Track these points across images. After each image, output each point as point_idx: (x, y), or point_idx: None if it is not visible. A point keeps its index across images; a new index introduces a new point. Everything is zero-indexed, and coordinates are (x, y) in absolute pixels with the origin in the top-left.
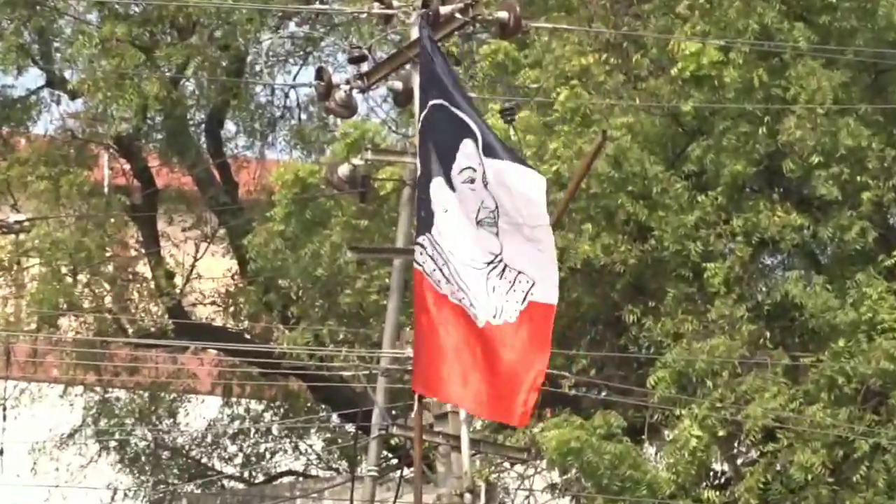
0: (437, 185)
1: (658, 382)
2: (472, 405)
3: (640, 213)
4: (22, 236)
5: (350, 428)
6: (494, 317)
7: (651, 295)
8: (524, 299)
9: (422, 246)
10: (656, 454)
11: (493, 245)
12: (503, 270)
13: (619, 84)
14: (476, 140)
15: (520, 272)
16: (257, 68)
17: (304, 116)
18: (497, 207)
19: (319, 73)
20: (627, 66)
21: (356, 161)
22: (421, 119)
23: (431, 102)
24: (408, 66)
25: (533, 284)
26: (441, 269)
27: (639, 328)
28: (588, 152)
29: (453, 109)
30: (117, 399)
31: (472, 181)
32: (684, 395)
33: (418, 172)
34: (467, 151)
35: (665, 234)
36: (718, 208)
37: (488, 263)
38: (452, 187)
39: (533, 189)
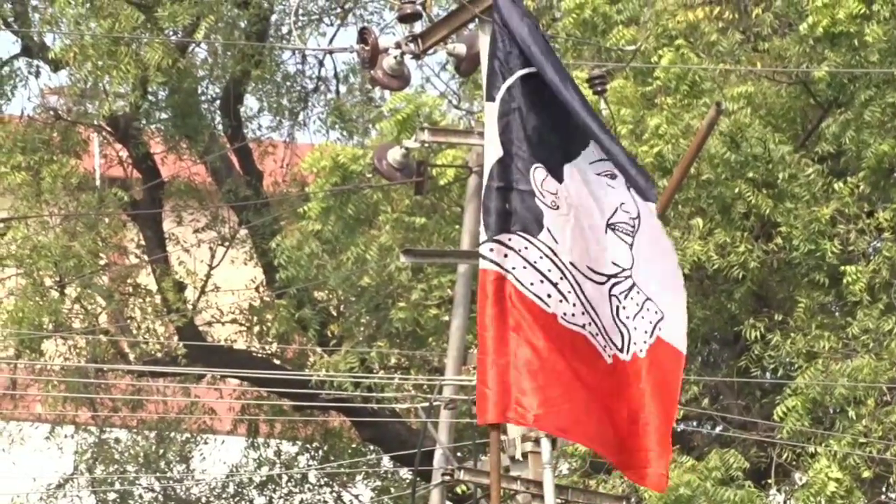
0: (540, 174)
1: (787, 413)
2: (600, 447)
3: (764, 204)
4: None
5: (406, 473)
6: (622, 349)
7: (778, 306)
8: (652, 331)
9: (504, 245)
10: (785, 502)
11: (623, 257)
12: (630, 289)
13: (735, 45)
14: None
15: (648, 298)
16: (284, 30)
17: (343, 89)
18: (639, 216)
19: (362, 35)
20: (745, 22)
21: (409, 144)
22: (503, 93)
23: (522, 72)
24: (472, 26)
25: (662, 318)
26: (552, 283)
27: (763, 347)
28: (698, 129)
29: (556, 84)
30: (117, 441)
31: (614, 177)
32: (820, 429)
33: (495, 154)
34: (600, 139)
35: (794, 231)
36: (860, 198)
37: (610, 277)
38: (560, 177)
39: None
